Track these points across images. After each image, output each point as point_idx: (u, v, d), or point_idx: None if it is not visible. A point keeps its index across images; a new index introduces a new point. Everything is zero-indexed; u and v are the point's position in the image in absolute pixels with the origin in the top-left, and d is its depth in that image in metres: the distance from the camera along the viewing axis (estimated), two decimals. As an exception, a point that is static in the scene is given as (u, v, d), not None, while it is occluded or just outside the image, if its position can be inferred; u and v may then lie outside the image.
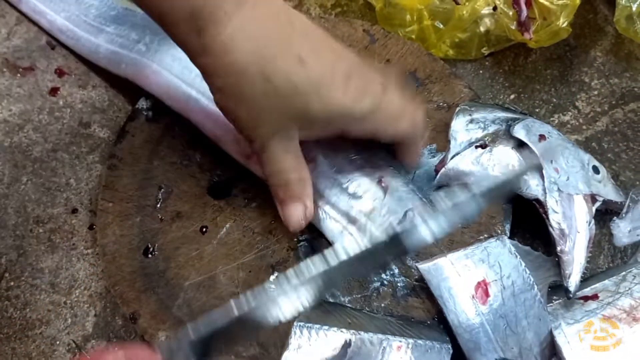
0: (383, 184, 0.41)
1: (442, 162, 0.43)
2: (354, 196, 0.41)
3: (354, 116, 0.36)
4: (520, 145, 0.42)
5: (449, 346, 0.38)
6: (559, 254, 0.39)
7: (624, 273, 0.40)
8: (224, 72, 0.34)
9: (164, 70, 0.46)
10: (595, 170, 0.42)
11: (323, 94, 0.35)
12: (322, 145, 0.42)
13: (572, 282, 0.39)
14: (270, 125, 0.36)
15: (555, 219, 0.40)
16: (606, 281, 0.40)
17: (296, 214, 0.39)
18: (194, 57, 0.35)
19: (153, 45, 0.48)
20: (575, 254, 0.39)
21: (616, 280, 0.40)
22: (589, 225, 0.40)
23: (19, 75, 0.54)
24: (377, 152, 0.43)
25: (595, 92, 0.51)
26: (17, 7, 0.56)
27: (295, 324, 0.37)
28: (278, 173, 0.38)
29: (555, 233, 0.40)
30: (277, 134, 0.36)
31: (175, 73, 0.46)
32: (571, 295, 0.39)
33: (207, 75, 0.35)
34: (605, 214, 0.43)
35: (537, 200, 0.41)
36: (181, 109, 0.46)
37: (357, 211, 0.41)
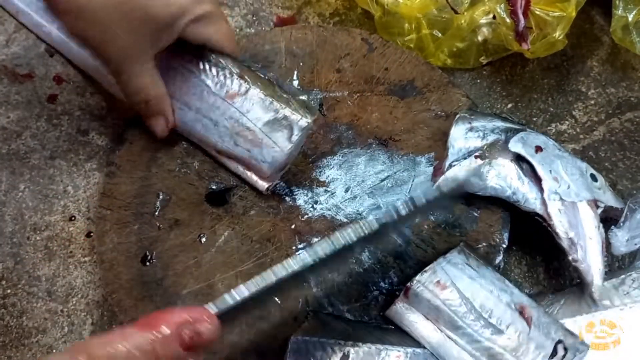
0: (526, 315, 0.37)
1: (439, 168, 0.43)
2: (496, 330, 0.37)
3: (192, 15, 0.38)
4: (518, 157, 0.42)
5: (448, 355, 0.38)
6: (573, 263, 0.39)
7: (623, 276, 0.41)
8: None
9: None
10: (594, 178, 0.42)
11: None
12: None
13: (596, 289, 0.39)
14: (122, 43, 0.37)
15: (561, 229, 0.40)
16: (605, 283, 0.41)
17: (160, 126, 0.43)
18: None
19: None
20: (591, 260, 0.39)
21: (615, 282, 0.41)
22: (599, 229, 0.40)
23: (17, 82, 0.54)
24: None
25: (592, 102, 0.51)
26: (16, 18, 0.56)
27: (292, 337, 0.37)
28: (137, 92, 0.40)
29: (564, 243, 0.40)
30: (131, 53, 0.38)
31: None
32: (596, 303, 0.39)
33: (55, 2, 0.36)
34: (604, 222, 0.43)
35: (537, 214, 0.41)
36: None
37: (500, 347, 0.36)
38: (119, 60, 0.38)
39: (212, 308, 0.28)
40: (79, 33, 0.37)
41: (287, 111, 0.42)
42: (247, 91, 0.42)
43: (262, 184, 0.44)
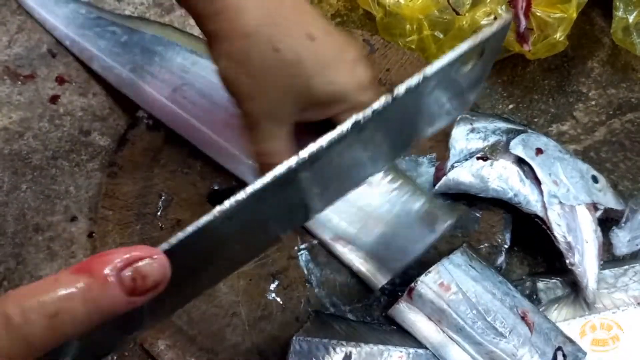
0: (528, 320, 0.37)
1: (441, 169, 0.43)
2: (499, 334, 0.37)
3: (354, 101, 0.35)
4: (520, 158, 0.42)
5: (450, 355, 0.38)
6: (569, 267, 0.39)
7: (626, 267, 0.41)
8: (234, 34, 0.34)
9: (155, 92, 0.47)
10: (595, 179, 0.42)
11: (329, 72, 0.34)
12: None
13: (590, 293, 0.39)
14: (268, 99, 0.35)
15: (560, 233, 0.40)
16: (606, 271, 0.41)
17: None
18: (206, 23, 0.34)
19: (145, 66, 0.49)
20: (587, 264, 0.39)
21: (617, 272, 0.41)
22: (596, 233, 0.40)
23: (19, 82, 0.54)
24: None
25: (593, 103, 0.51)
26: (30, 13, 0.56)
27: (294, 338, 0.37)
28: (264, 155, 0.37)
29: (562, 247, 0.40)
30: (274, 114, 0.36)
31: (165, 95, 0.46)
32: (590, 306, 0.40)
33: (216, 41, 0.34)
34: (605, 222, 0.43)
35: (537, 216, 0.41)
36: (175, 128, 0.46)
37: (502, 351, 0.36)
38: (259, 117, 0.36)
39: (163, 246, 0.24)
40: (231, 78, 0.35)
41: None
42: None
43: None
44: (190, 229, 0.25)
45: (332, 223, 0.41)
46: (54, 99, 0.53)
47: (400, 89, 0.28)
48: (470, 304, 0.37)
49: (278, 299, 0.41)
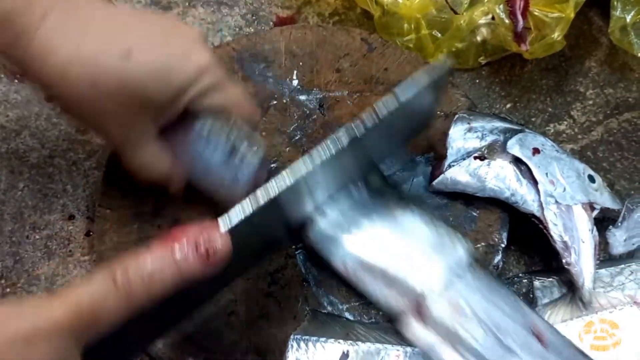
0: (540, 337, 0.36)
1: (439, 169, 0.43)
2: (509, 351, 0.35)
3: (198, 89, 0.36)
4: (517, 158, 0.42)
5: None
6: (565, 266, 0.40)
7: (622, 266, 0.41)
8: (50, 81, 0.33)
9: None
10: (591, 179, 0.43)
11: (161, 75, 0.34)
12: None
13: (586, 292, 0.39)
14: (118, 126, 0.36)
15: (556, 232, 0.40)
16: (603, 270, 0.41)
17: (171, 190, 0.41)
18: (25, 71, 0.34)
19: None
20: (583, 264, 0.39)
21: (613, 271, 0.41)
22: (592, 233, 0.40)
23: (16, 81, 0.54)
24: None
25: (590, 102, 0.52)
26: None
27: (292, 337, 0.37)
28: (141, 169, 0.39)
29: (558, 246, 0.40)
30: (130, 135, 0.36)
31: None
32: (586, 306, 0.40)
33: (42, 88, 0.35)
34: (602, 221, 0.43)
35: (534, 215, 0.41)
36: None
37: None
38: (120, 142, 0.37)
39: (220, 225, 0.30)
40: (75, 117, 0.37)
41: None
42: None
43: None
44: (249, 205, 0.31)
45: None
46: (51, 97, 0.53)
47: (344, 140, 0.35)
48: (480, 322, 0.36)
49: (276, 298, 0.41)
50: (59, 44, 0.32)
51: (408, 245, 0.39)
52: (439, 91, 0.42)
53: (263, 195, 0.32)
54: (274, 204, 0.33)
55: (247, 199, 0.32)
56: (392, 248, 0.39)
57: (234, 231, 0.30)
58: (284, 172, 0.33)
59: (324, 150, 0.34)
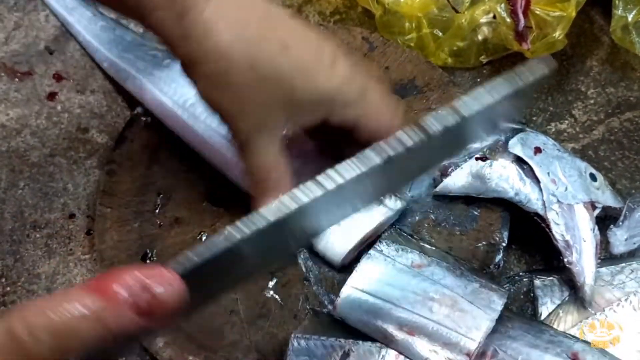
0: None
1: (443, 173, 0.43)
2: None
3: (341, 100, 0.35)
4: (519, 157, 0.42)
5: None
6: (567, 265, 0.40)
7: (623, 265, 0.41)
8: (207, 57, 0.33)
9: (160, 92, 0.46)
10: (593, 177, 0.42)
11: (310, 77, 0.34)
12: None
13: (587, 291, 0.39)
14: (255, 117, 0.35)
15: (558, 232, 0.40)
16: (603, 269, 0.41)
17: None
18: (177, 47, 0.33)
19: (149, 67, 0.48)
20: (585, 263, 0.39)
21: (613, 270, 0.41)
22: (594, 232, 0.40)
23: (16, 79, 0.54)
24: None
25: (592, 101, 0.52)
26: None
27: (293, 335, 0.37)
28: (258, 169, 0.37)
29: (560, 245, 0.40)
30: (262, 129, 0.35)
31: (169, 95, 0.46)
32: (587, 305, 0.40)
33: (190, 64, 0.34)
34: (603, 220, 0.43)
35: (538, 214, 0.41)
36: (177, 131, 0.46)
37: None
38: (249, 135, 0.35)
39: (176, 267, 0.23)
40: (213, 100, 0.35)
41: None
42: None
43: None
44: (205, 251, 0.24)
45: None
46: (52, 96, 0.53)
47: (434, 127, 0.27)
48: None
49: (276, 297, 0.41)
50: (223, 26, 0.33)
51: (447, 302, 0.37)
52: (522, 99, 0.32)
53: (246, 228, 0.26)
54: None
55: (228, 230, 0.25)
56: (432, 307, 0.37)
57: (192, 270, 0.24)
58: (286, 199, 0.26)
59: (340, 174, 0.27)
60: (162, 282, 0.22)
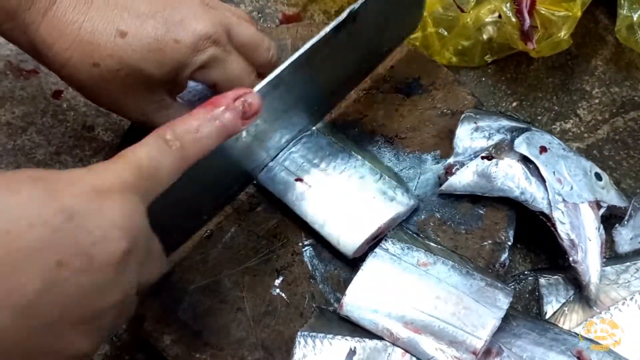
0: (583, 356, 0.36)
1: (449, 171, 0.43)
2: None
3: (193, 66, 0.37)
4: (524, 156, 0.42)
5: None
6: (572, 264, 0.40)
7: (628, 264, 0.41)
8: (56, 67, 0.36)
9: None
10: (598, 177, 0.43)
11: (154, 58, 0.36)
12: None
13: (592, 289, 0.40)
14: (134, 104, 0.38)
15: (563, 231, 0.40)
16: (608, 268, 0.41)
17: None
18: (38, 60, 0.37)
19: None
20: (590, 261, 0.40)
21: (618, 269, 0.41)
22: (599, 231, 0.40)
23: (22, 77, 0.54)
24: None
25: (596, 101, 0.52)
26: None
27: (299, 333, 0.37)
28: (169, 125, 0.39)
29: (565, 244, 0.40)
30: (147, 109, 0.39)
31: None
32: (592, 303, 0.40)
33: (55, 72, 0.37)
34: (608, 220, 0.43)
35: (543, 213, 0.41)
36: None
37: None
38: (140, 117, 0.39)
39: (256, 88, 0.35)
40: (92, 100, 0.40)
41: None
42: None
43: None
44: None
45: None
46: (57, 94, 0.53)
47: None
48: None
49: (282, 295, 0.41)
50: (59, 33, 0.35)
51: (453, 300, 0.38)
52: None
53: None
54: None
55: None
56: (438, 306, 0.37)
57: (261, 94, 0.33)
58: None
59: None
60: (247, 92, 0.31)
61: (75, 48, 0.35)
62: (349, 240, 0.40)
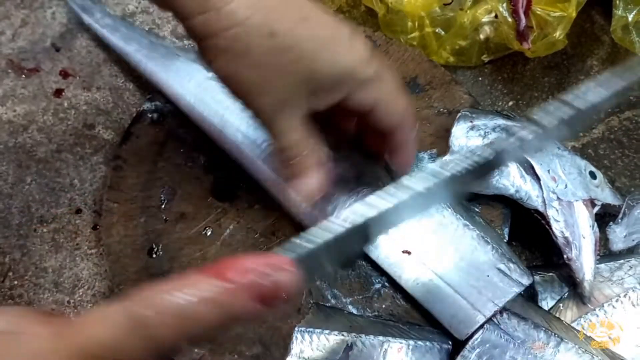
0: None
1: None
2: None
3: (360, 78, 0.34)
4: (519, 154, 0.43)
5: (449, 346, 0.38)
6: (566, 262, 0.40)
7: (621, 261, 0.42)
8: (226, 24, 0.31)
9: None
10: (592, 175, 0.43)
11: (330, 50, 0.33)
12: None
13: (586, 287, 0.40)
14: (277, 94, 0.33)
15: (558, 228, 0.40)
16: (602, 265, 0.42)
17: (308, 185, 0.37)
18: (192, 17, 0.32)
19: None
20: (584, 259, 0.40)
21: (612, 266, 0.42)
22: (593, 229, 0.41)
23: (23, 76, 0.54)
24: None
25: (592, 100, 0.52)
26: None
27: (296, 328, 0.37)
28: (286, 149, 0.36)
29: (560, 242, 0.41)
30: (284, 107, 0.34)
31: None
32: (586, 300, 0.40)
33: (206, 39, 0.32)
34: (602, 218, 0.44)
35: (538, 211, 0.41)
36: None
37: None
38: (272, 113, 0.34)
39: (288, 254, 0.24)
40: (231, 74, 0.33)
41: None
42: None
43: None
44: (318, 239, 0.26)
45: None
46: (58, 92, 0.54)
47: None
48: None
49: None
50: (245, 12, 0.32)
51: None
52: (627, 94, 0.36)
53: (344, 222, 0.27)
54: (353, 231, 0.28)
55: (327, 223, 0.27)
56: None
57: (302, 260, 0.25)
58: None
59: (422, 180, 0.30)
60: (281, 268, 0.23)
61: (257, 12, 0.32)
62: (461, 325, 0.39)
